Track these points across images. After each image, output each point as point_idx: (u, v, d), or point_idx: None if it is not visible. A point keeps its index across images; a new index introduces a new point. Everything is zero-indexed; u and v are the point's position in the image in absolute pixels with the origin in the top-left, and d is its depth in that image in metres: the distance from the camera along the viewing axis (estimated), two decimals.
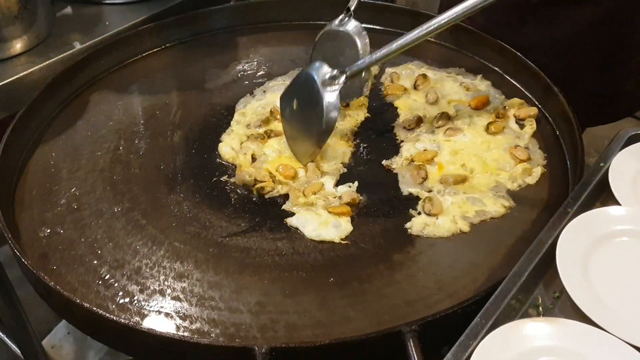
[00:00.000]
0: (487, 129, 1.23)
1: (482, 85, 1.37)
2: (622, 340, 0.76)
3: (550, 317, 0.81)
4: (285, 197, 1.12)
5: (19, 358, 1.79)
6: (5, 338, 1.81)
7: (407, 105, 1.32)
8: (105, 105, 1.35)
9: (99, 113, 1.33)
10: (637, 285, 0.84)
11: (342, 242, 1.04)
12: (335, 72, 1.14)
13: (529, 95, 1.34)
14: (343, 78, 1.14)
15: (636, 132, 1.06)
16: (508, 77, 1.39)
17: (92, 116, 1.32)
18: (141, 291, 0.97)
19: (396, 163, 1.19)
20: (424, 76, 1.37)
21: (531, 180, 1.14)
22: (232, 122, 1.28)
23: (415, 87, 1.36)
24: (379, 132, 1.28)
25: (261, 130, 1.24)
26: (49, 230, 1.07)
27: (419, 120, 1.26)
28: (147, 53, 1.49)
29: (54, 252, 1.03)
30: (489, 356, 0.74)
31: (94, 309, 0.89)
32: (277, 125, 1.25)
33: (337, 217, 1.07)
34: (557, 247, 0.86)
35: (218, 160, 1.21)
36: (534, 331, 0.77)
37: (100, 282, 0.98)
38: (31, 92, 1.27)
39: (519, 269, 0.84)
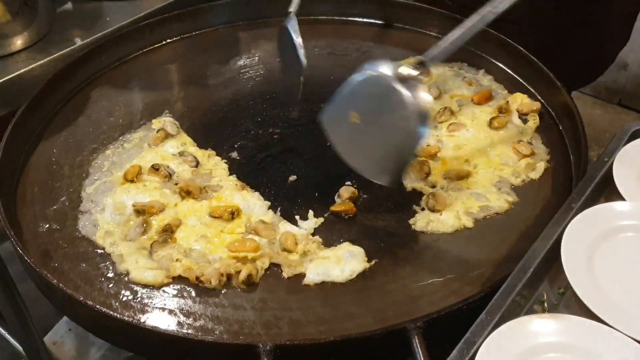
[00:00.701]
0: (490, 124, 1.23)
1: (484, 79, 1.36)
2: (628, 336, 0.76)
3: (555, 313, 0.80)
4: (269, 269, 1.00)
5: (20, 355, 1.79)
6: (7, 335, 1.81)
7: None
8: (106, 101, 1.34)
9: (100, 109, 1.32)
10: None
11: (370, 264, 0.99)
12: (408, 65, 0.94)
13: (531, 89, 1.34)
14: (422, 69, 0.94)
15: (639, 127, 1.06)
16: (510, 72, 1.39)
17: (93, 112, 1.31)
18: (144, 288, 0.96)
19: None
20: (427, 71, 1.36)
21: (535, 175, 1.14)
22: (111, 252, 1.02)
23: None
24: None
25: (154, 234, 1.03)
26: (50, 227, 1.06)
27: None
28: (148, 49, 1.48)
29: (56, 249, 1.03)
30: (494, 353, 0.73)
31: (97, 306, 0.89)
32: (161, 218, 1.05)
33: (341, 248, 1.01)
34: (562, 242, 0.86)
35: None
36: (540, 328, 0.77)
37: (102, 279, 0.98)
38: (32, 88, 1.27)
39: (524, 265, 0.84)
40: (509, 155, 1.17)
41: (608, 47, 1.58)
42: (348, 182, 1.14)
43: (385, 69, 0.95)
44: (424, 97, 0.93)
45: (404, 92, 0.92)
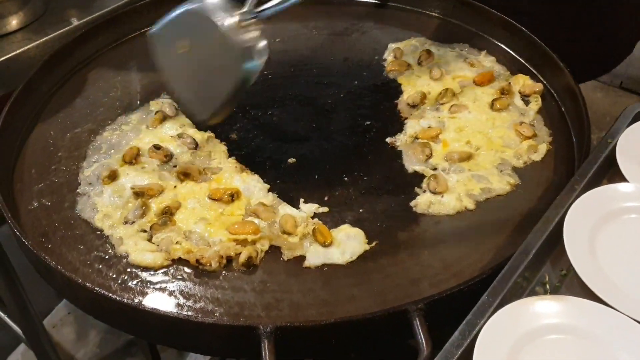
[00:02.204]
0: (492, 105, 1.21)
1: (486, 61, 1.34)
2: (630, 317, 0.75)
3: (557, 294, 0.80)
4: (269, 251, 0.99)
5: (20, 338, 1.80)
6: (7, 318, 1.81)
7: (410, 82, 1.31)
8: (103, 82, 1.33)
9: (97, 90, 1.31)
10: None
11: (370, 245, 0.99)
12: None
13: (534, 71, 1.32)
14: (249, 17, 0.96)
15: None
16: (513, 53, 1.37)
17: (90, 94, 1.30)
18: (144, 271, 0.96)
19: (400, 140, 1.17)
20: (428, 52, 1.35)
21: (537, 157, 1.13)
22: (110, 234, 1.01)
23: (419, 63, 1.34)
24: (382, 109, 1.26)
25: (153, 216, 1.02)
26: (49, 210, 1.05)
27: (423, 97, 1.25)
28: (145, 29, 1.45)
29: (54, 231, 1.02)
30: (496, 334, 0.73)
31: (96, 289, 0.88)
32: (160, 200, 1.04)
33: (341, 230, 1.01)
34: (565, 224, 0.85)
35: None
36: (542, 309, 0.76)
37: (102, 262, 0.97)
38: (28, 69, 1.25)
39: (526, 246, 0.83)
40: (510, 137, 1.16)
41: (622, 37, 1.55)
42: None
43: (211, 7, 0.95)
44: (248, 37, 0.96)
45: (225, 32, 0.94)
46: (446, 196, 1.05)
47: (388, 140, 1.18)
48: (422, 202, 1.06)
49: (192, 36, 0.99)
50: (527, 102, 1.24)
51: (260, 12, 0.98)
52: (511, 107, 1.22)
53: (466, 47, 1.39)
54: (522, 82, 1.27)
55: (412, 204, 1.06)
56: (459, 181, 1.08)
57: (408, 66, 1.34)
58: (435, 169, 1.11)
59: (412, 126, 1.19)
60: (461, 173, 1.09)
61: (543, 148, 1.14)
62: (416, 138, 1.17)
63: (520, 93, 1.25)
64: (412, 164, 1.13)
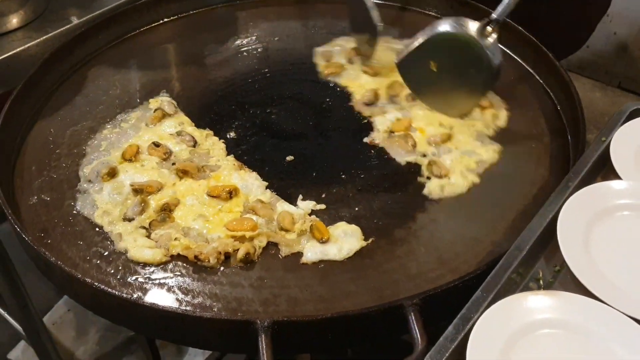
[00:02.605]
0: None
1: None
2: (623, 313, 0.76)
3: (550, 290, 0.81)
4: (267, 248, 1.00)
5: (20, 335, 1.80)
6: (7, 315, 1.82)
7: (352, 81, 1.32)
8: (103, 80, 1.34)
9: (97, 88, 1.32)
10: (638, 258, 0.84)
11: (366, 242, 1.00)
12: (482, 22, 1.13)
13: (530, 69, 1.33)
14: (494, 25, 1.12)
15: (637, 107, 1.06)
16: (509, 52, 1.38)
17: (90, 92, 1.31)
18: (143, 266, 0.97)
19: (378, 138, 1.19)
20: (356, 50, 1.37)
21: (502, 123, 1.21)
22: (109, 231, 1.02)
23: (350, 61, 1.36)
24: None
25: (152, 213, 1.03)
26: (49, 206, 1.06)
27: (375, 94, 1.27)
28: (145, 28, 1.47)
29: (54, 227, 1.03)
30: (490, 328, 0.74)
31: (96, 284, 0.89)
32: (159, 197, 1.05)
33: (337, 227, 1.02)
34: (558, 221, 0.86)
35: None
36: (535, 304, 0.77)
37: (101, 258, 0.98)
38: (28, 67, 1.26)
39: (520, 243, 0.84)
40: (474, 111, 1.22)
41: (588, 14, 1.58)
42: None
43: (467, 25, 1.14)
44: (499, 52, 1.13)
45: (485, 47, 1.12)
46: (452, 177, 1.10)
47: (366, 140, 1.19)
48: (434, 188, 1.09)
49: (438, 55, 1.18)
50: None
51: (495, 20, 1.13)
52: None
53: (390, 38, 1.41)
54: None
55: (425, 192, 1.09)
56: (454, 160, 1.13)
57: (342, 67, 1.36)
58: (424, 155, 1.15)
59: (382, 122, 1.22)
60: (450, 153, 1.14)
61: (504, 114, 1.22)
62: (391, 132, 1.19)
63: None
64: (402, 156, 1.15)
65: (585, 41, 1.66)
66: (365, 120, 1.24)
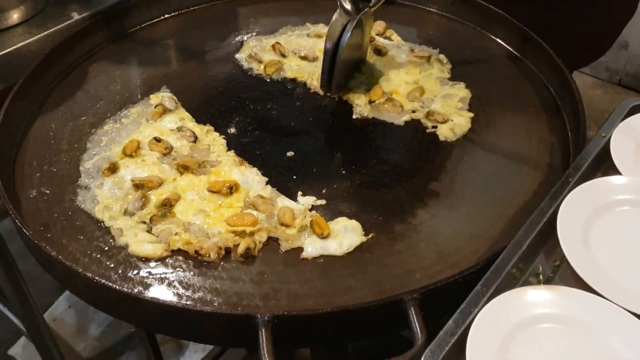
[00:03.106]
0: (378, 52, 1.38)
1: (324, 29, 1.43)
2: (622, 308, 0.76)
3: (550, 285, 0.81)
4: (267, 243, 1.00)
5: (21, 331, 1.81)
6: (7, 311, 1.83)
7: (296, 71, 1.35)
8: (104, 76, 1.34)
9: (98, 84, 1.32)
10: (637, 253, 0.85)
11: (367, 237, 1.00)
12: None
13: (530, 64, 1.33)
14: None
15: (638, 103, 1.06)
16: (511, 49, 1.38)
17: (91, 87, 1.31)
18: (144, 261, 0.97)
19: (363, 111, 1.25)
20: (277, 43, 1.40)
21: (446, 72, 1.33)
22: (110, 226, 1.02)
23: (283, 55, 1.38)
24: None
25: (153, 208, 1.03)
26: (49, 201, 1.06)
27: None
28: (146, 24, 1.47)
29: (55, 222, 1.03)
30: (489, 323, 0.74)
31: (97, 278, 0.89)
32: (159, 192, 1.06)
33: (338, 223, 1.02)
34: (558, 216, 0.87)
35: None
36: (535, 298, 0.78)
37: (102, 252, 0.98)
38: (29, 63, 1.26)
39: (520, 237, 0.84)
40: (417, 63, 1.34)
41: (612, 21, 1.57)
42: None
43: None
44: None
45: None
46: (454, 119, 1.21)
47: (355, 117, 1.24)
48: (446, 132, 1.19)
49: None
50: (389, 39, 1.42)
51: None
52: (389, 47, 1.39)
53: (297, 27, 1.47)
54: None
55: (441, 138, 1.18)
56: (442, 106, 1.24)
57: (278, 62, 1.36)
58: (414, 111, 1.23)
59: (357, 97, 1.27)
60: (435, 102, 1.25)
61: (443, 58, 1.35)
62: (371, 102, 1.25)
63: (378, 36, 1.42)
64: (397, 119, 1.23)
65: (608, 48, 1.64)
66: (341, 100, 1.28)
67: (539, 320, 0.76)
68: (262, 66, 1.36)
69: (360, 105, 1.25)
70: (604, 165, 0.98)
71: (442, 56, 1.35)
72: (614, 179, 0.93)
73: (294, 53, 1.39)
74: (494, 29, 1.41)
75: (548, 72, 1.29)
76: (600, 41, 1.61)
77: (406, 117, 1.22)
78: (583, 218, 0.87)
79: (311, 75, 1.33)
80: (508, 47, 1.39)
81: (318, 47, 1.39)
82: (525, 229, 0.86)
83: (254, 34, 1.47)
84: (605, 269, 0.82)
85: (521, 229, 0.86)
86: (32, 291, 1.64)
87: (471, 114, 1.22)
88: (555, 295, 0.78)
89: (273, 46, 1.39)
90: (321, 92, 1.30)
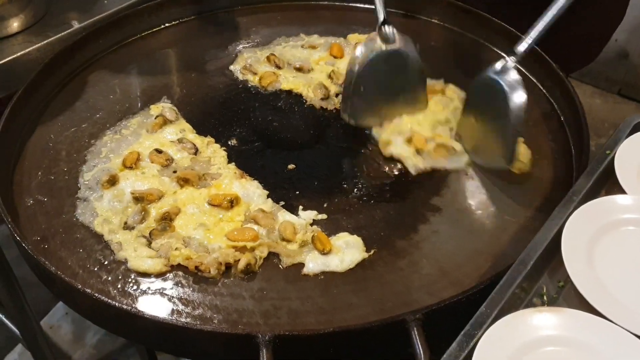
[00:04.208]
0: None
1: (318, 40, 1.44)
2: (627, 331, 0.76)
3: (555, 306, 0.80)
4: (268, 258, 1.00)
5: (17, 338, 1.79)
6: (4, 318, 1.81)
7: (292, 82, 1.34)
8: (103, 85, 1.33)
9: (97, 94, 1.31)
10: None
11: (368, 253, 0.99)
12: (502, 61, 1.11)
13: (532, 78, 1.33)
14: (514, 58, 1.10)
15: None
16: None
17: (90, 97, 1.30)
18: (143, 276, 0.96)
19: (417, 162, 1.15)
20: (271, 54, 1.38)
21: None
22: (109, 239, 1.01)
23: (278, 66, 1.37)
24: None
25: (153, 222, 1.02)
26: (48, 213, 1.05)
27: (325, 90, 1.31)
28: (146, 33, 1.46)
29: (53, 235, 1.02)
30: (494, 346, 0.73)
31: (95, 294, 0.88)
32: (159, 205, 1.05)
33: (339, 238, 1.01)
34: (563, 235, 0.86)
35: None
36: (539, 321, 0.77)
37: (101, 267, 0.97)
38: (28, 72, 1.25)
39: (524, 257, 0.83)
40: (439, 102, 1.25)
41: (603, 25, 1.56)
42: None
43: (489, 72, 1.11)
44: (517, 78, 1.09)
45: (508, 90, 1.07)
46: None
47: (414, 173, 1.15)
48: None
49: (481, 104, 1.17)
50: None
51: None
52: None
53: (291, 38, 1.46)
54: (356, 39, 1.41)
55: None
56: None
57: (274, 74, 1.35)
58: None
59: (397, 148, 1.18)
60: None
61: (453, 87, 1.28)
62: (418, 152, 1.17)
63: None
64: (459, 162, 1.16)
65: (598, 54, 1.64)
66: (368, 132, 1.23)
67: (543, 343, 0.75)
68: (257, 78, 1.35)
69: (410, 158, 1.15)
70: (608, 183, 0.97)
71: (451, 86, 1.28)
72: (618, 198, 0.92)
73: (288, 64, 1.38)
74: (495, 40, 1.40)
75: (551, 85, 1.29)
76: (590, 47, 1.61)
77: (466, 159, 1.15)
78: (587, 237, 0.87)
79: (307, 87, 1.32)
80: (502, 53, 1.38)
81: (312, 58, 1.39)
82: (529, 248, 0.85)
83: (255, 43, 1.46)
84: (609, 290, 0.81)
85: (526, 248, 0.85)
86: (29, 298, 1.62)
87: None
88: (560, 317, 0.77)
89: (268, 57, 1.38)
90: (317, 106, 1.29)
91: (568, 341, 0.75)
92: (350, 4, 1.57)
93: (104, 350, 2.06)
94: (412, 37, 1.43)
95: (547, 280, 0.84)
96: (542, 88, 1.31)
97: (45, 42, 1.33)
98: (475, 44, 1.43)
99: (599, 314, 0.78)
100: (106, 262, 0.98)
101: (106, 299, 0.87)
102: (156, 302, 0.93)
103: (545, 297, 0.82)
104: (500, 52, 1.40)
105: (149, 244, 1.00)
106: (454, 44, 1.44)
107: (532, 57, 1.31)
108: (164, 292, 0.94)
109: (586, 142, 1.09)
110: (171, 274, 0.96)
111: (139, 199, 1.05)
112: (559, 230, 0.87)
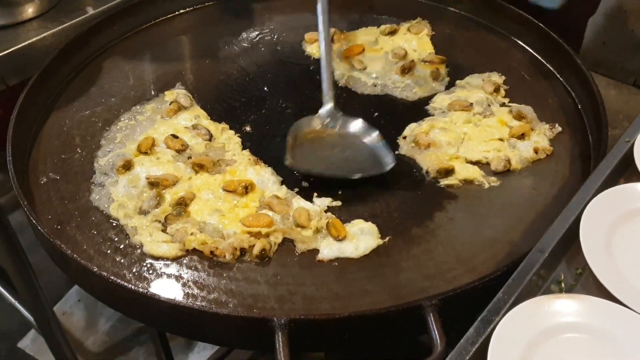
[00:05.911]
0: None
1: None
2: None
3: (572, 293, 0.80)
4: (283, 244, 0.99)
5: (31, 324, 1.81)
6: (18, 304, 1.83)
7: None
8: (118, 72, 1.33)
9: (112, 80, 1.31)
10: None
11: (383, 240, 0.99)
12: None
13: (549, 67, 1.32)
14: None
15: None
16: (531, 50, 1.36)
17: (105, 83, 1.30)
18: (158, 260, 0.96)
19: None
20: (339, 31, 1.42)
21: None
22: (125, 224, 1.01)
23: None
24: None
25: (168, 207, 1.02)
26: (64, 198, 1.06)
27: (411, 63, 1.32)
28: (160, 19, 1.46)
29: (69, 219, 1.03)
30: (511, 332, 0.73)
31: (111, 277, 0.88)
32: (174, 191, 1.05)
33: (354, 225, 1.00)
34: (581, 223, 0.85)
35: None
36: (557, 308, 0.76)
37: (116, 251, 0.98)
38: (43, 57, 1.26)
39: (542, 244, 0.83)
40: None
41: (573, 16, 1.53)
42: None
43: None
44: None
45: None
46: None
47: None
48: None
49: None
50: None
51: None
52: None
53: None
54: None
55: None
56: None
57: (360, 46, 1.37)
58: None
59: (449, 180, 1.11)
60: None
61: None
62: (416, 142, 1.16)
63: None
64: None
65: (577, 50, 1.60)
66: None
67: (562, 329, 0.74)
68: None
69: (405, 141, 1.16)
70: (627, 171, 0.96)
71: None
72: (638, 185, 0.91)
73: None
74: (514, 30, 1.39)
75: (567, 73, 1.27)
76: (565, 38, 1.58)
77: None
78: (606, 225, 0.86)
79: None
80: (527, 47, 1.37)
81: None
82: (547, 235, 0.84)
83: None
84: (628, 278, 0.80)
85: (543, 235, 0.84)
86: (42, 284, 1.63)
87: None
88: (578, 304, 0.76)
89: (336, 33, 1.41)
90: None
91: (587, 328, 0.74)
92: None
93: (116, 337, 2.07)
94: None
95: (564, 268, 0.83)
96: (559, 76, 1.29)
97: (60, 27, 1.34)
98: (493, 33, 1.42)
99: (617, 302, 0.77)
100: (122, 246, 0.99)
101: (122, 282, 0.88)
102: (171, 286, 0.93)
103: (563, 285, 0.81)
104: (517, 40, 1.38)
105: (164, 229, 1.00)
106: (471, 33, 1.42)
107: (551, 46, 1.30)
108: (179, 276, 0.94)
109: (605, 131, 1.07)
110: (186, 259, 0.97)
111: (154, 184, 1.05)
112: (577, 218, 0.86)
